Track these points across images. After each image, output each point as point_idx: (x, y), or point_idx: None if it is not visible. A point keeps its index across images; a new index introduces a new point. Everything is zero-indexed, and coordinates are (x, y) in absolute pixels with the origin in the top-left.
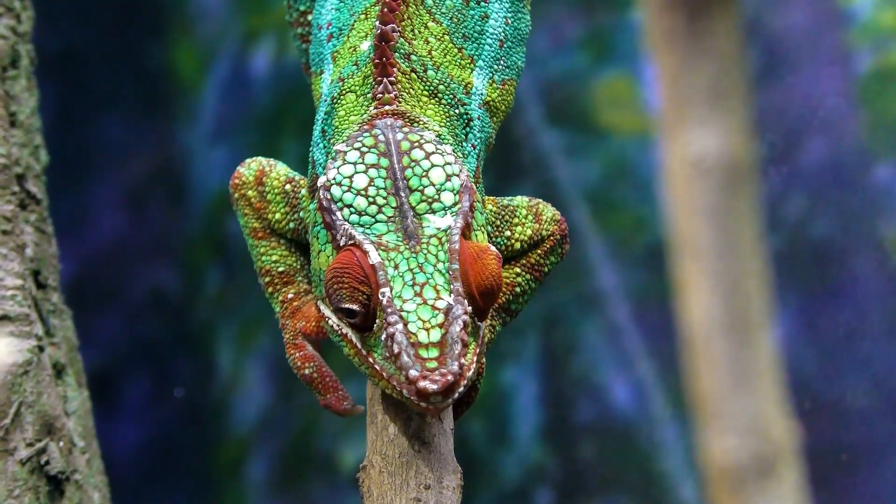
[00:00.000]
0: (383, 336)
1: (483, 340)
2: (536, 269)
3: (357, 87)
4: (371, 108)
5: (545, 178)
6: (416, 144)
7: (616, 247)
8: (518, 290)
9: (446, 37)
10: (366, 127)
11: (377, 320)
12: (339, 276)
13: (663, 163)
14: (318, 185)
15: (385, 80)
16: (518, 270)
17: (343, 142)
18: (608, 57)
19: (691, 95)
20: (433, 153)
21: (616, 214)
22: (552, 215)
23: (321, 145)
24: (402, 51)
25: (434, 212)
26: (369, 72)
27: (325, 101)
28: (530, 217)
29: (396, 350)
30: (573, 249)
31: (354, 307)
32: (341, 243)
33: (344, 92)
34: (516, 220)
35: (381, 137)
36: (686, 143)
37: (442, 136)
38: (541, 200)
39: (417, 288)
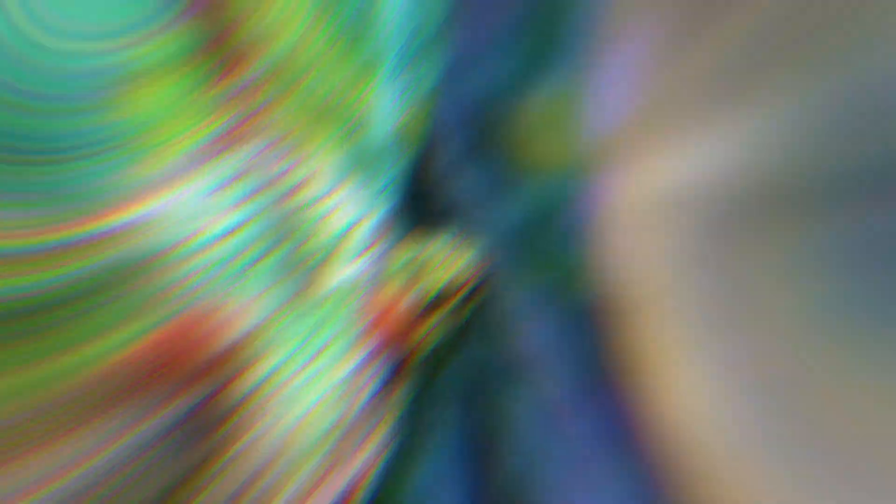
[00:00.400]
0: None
1: (386, 418)
2: (450, 321)
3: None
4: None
5: (464, 223)
6: (306, 181)
7: (548, 303)
8: (430, 348)
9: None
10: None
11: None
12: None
13: (613, 199)
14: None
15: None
16: (431, 324)
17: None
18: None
19: (693, 81)
20: (329, 192)
21: (546, 265)
22: (469, 261)
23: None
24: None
25: (333, 262)
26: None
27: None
28: (444, 265)
29: (254, 469)
30: (497, 304)
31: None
32: (174, 309)
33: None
34: (429, 268)
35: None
36: (658, 169)
37: (338, 170)
38: (458, 245)
39: (308, 355)
